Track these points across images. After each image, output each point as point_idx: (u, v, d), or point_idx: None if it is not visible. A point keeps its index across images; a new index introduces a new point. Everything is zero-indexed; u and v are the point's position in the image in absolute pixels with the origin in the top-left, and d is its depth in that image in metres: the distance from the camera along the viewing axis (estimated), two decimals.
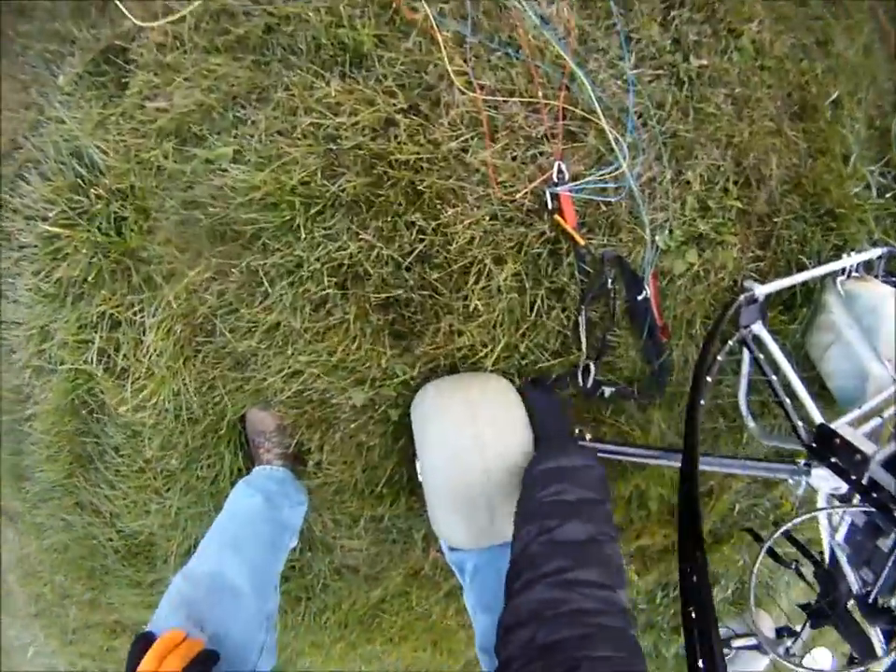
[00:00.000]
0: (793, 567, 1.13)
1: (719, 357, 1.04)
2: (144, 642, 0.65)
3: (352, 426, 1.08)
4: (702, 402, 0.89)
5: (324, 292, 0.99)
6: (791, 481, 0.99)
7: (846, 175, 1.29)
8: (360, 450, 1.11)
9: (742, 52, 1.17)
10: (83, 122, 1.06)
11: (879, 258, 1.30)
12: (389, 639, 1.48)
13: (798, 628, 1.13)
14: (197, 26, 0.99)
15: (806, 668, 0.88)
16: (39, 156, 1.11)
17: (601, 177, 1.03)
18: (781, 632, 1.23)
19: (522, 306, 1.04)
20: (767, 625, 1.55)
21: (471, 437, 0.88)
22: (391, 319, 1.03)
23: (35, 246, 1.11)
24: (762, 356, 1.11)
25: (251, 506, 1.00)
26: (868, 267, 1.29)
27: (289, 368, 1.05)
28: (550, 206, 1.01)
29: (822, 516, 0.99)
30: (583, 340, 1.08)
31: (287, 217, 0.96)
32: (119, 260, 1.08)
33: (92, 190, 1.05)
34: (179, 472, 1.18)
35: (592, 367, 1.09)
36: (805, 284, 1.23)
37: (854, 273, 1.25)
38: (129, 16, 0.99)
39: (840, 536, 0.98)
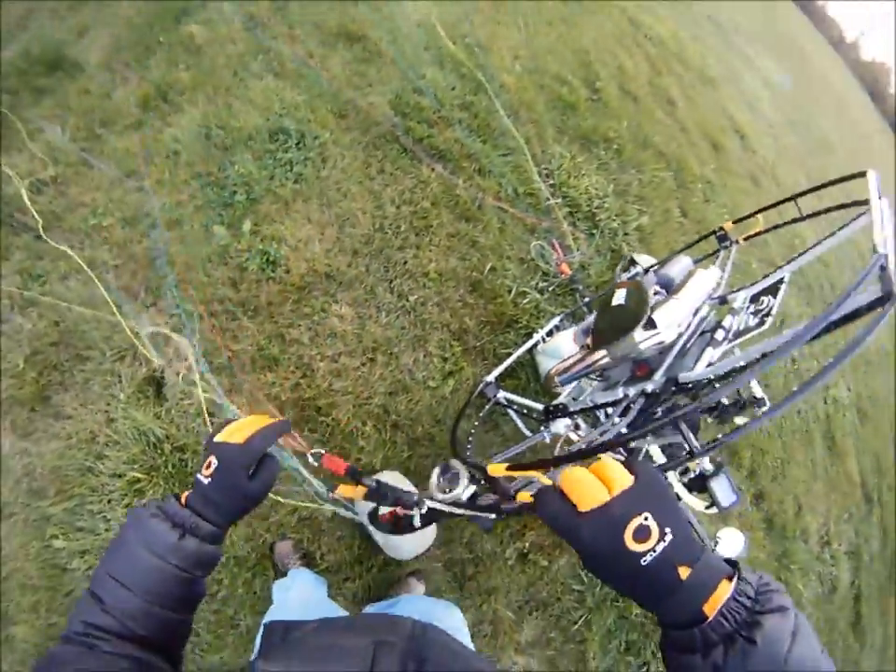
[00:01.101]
0: None
1: (480, 414, 2.16)
2: None
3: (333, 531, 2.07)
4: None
5: None
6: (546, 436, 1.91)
7: (515, 297, 2.55)
8: (339, 543, 2.05)
9: (433, 280, 2.46)
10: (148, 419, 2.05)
11: (561, 319, 2.50)
12: None
13: None
14: None
15: None
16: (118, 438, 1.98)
17: None
18: None
19: None
20: None
21: None
22: None
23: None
24: (507, 401, 2.21)
25: (295, 585, 1.73)
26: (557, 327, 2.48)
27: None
28: None
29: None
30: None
31: None
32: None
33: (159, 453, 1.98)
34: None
35: None
36: (517, 359, 2.39)
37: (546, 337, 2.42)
38: None
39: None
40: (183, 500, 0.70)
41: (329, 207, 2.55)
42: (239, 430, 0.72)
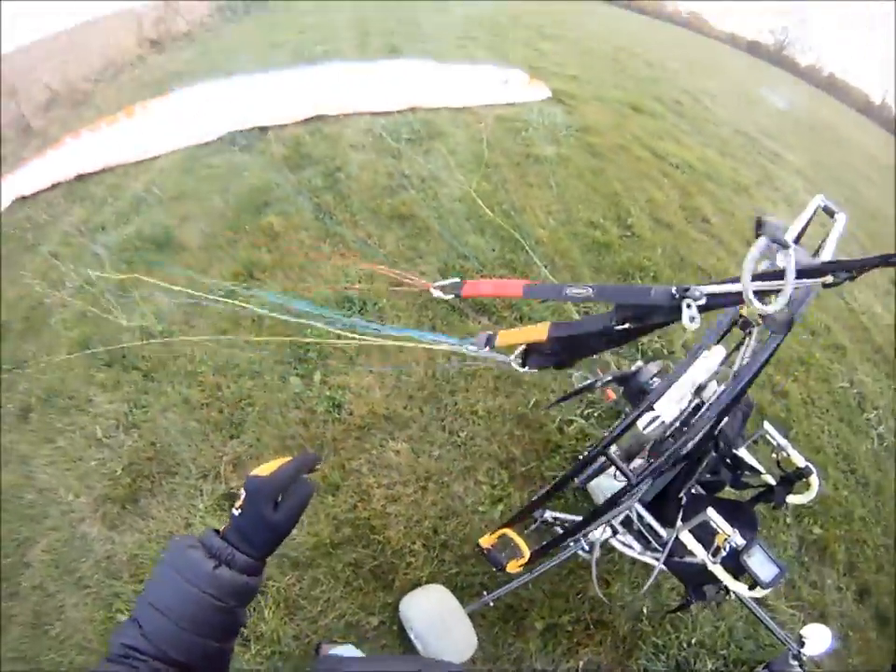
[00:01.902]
0: None
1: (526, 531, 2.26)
2: None
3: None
4: None
5: None
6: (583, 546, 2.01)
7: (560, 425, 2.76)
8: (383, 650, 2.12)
9: (482, 417, 2.74)
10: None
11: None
12: None
13: None
14: None
15: None
16: None
17: None
18: None
19: None
20: None
21: None
22: None
23: None
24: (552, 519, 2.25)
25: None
26: None
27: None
28: None
29: None
30: None
31: None
32: None
33: None
34: None
35: None
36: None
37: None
38: None
39: None
40: (221, 534, 0.75)
41: (387, 359, 2.99)
42: (270, 466, 0.77)
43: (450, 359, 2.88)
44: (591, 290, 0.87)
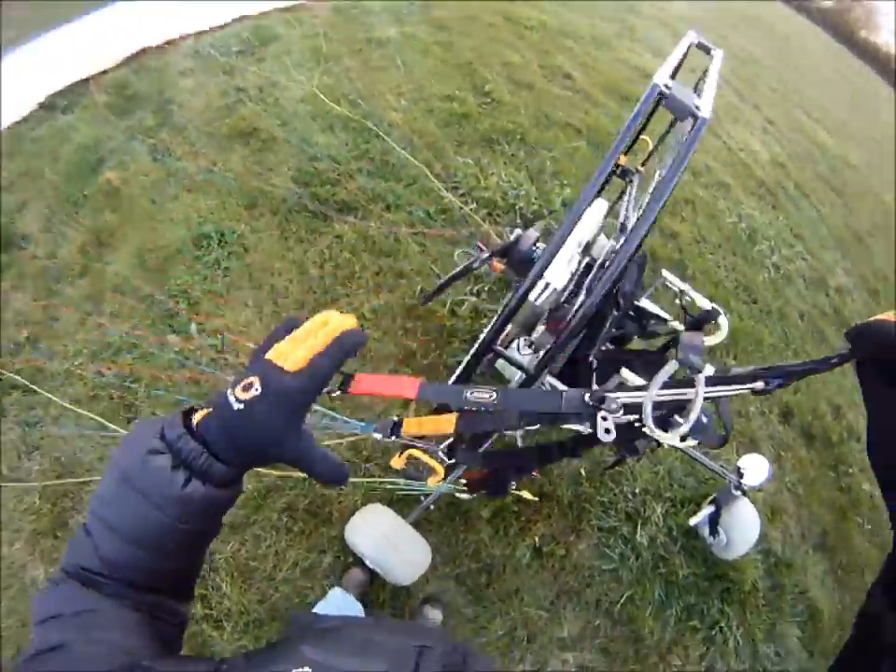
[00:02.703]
0: None
1: None
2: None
3: None
4: None
5: None
6: None
7: (452, 308, 2.67)
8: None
9: (369, 319, 2.59)
10: None
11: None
12: None
13: None
14: None
15: None
16: None
17: None
18: None
19: None
20: None
21: None
22: None
23: None
24: None
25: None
26: None
27: None
28: None
29: None
30: None
31: None
32: None
33: None
34: None
35: None
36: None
37: None
38: None
39: None
40: (196, 422, 0.53)
41: (259, 288, 2.73)
42: (291, 348, 0.53)
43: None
44: (494, 395, 0.71)
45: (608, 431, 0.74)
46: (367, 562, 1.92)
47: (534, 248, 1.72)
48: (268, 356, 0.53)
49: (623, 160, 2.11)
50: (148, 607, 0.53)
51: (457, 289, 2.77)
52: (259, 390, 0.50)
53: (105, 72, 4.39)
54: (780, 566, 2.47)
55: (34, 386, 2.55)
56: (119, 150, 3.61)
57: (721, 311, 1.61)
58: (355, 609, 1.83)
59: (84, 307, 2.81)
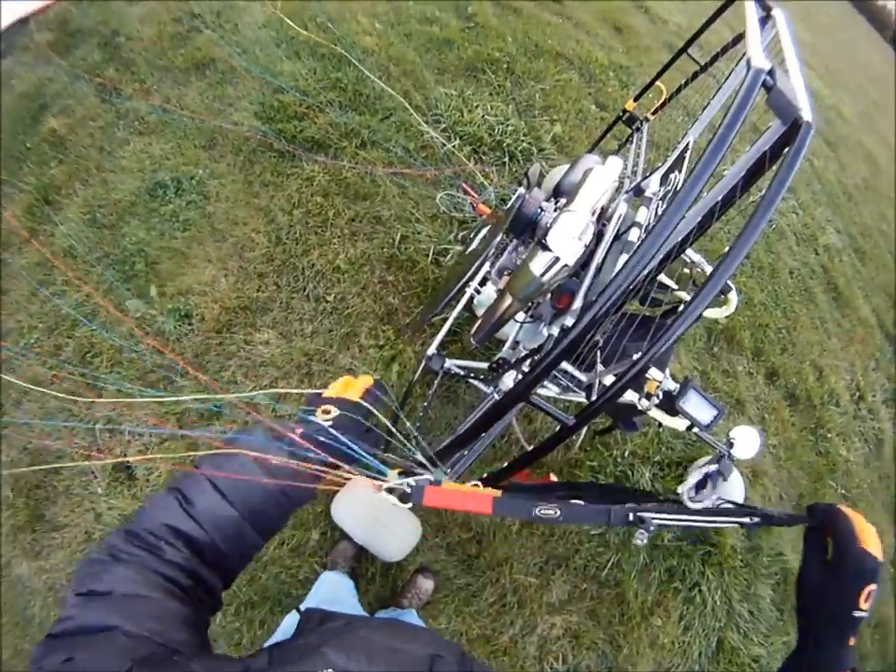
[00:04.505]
0: None
1: (430, 391, 2.05)
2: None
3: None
4: None
5: None
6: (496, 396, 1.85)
7: (435, 258, 2.41)
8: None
9: (346, 272, 2.34)
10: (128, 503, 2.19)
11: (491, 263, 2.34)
12: None
13: None
14: None
15: None
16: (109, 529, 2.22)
17: None
18: None
19: None
20: None
21: None
22: None
23: None
24: (458, 368, 2.10)
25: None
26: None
27: None
28: None
29: None
30: None
31: None
32: None
33: None
34: None
35: None
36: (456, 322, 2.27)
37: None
38: None
39: None
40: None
41: (223, 241, 2.47)
42: (344, 388, 0.78)
43: None
44: (559, 512, 0.79)
45: (642, 541, 0.84)
46: (356, 539, 1.84)
47: (538, 211, 1.46)
48: (327, 394, 0.77)
49: (630, 105, 1.94)
50: (196, 586, 0.58)
51: (441, 237, 2.52)
52: (337, 411, 0.72)
53: (46, 7, 3.91)
54: (759, 528, 2.44)
55: None
56: (63, 94, 3.24)
57: (733, 287, 1.57)
58: (347, 587, 1.80)
59: (36, 276, 2.55)
